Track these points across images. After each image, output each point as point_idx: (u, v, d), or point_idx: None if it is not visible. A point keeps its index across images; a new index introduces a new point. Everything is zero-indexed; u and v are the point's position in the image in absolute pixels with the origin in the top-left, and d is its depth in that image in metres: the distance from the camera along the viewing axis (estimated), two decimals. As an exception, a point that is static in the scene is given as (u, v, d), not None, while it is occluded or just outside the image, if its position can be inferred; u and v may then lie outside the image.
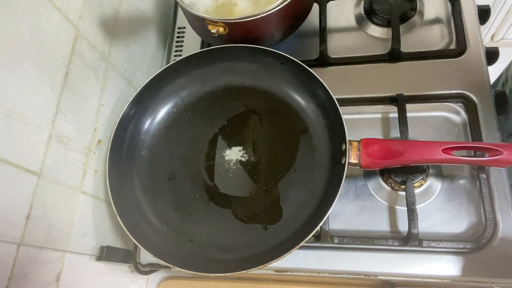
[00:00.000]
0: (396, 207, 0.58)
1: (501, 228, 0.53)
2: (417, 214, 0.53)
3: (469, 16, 0.67)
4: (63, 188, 0.52)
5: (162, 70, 0.65)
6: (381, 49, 0.69)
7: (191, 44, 0.77)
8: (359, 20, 0.73)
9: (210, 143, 0.65)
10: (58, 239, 0.51)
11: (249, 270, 0.50)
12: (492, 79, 0.62)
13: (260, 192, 0.60)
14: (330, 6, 0.73)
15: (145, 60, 0.74)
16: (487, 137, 0.58)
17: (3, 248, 0.43)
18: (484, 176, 0.56)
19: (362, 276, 0.55)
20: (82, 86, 0.55)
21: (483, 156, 0.50)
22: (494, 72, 0.66)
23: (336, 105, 0.56)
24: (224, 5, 0.62)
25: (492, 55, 0.65)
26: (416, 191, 0.57)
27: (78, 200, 0.55)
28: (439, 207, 0.57)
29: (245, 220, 0.59)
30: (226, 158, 0.64)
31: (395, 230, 0.57)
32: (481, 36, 0.66)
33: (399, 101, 0.61)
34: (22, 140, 0.45)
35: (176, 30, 0.80)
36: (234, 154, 0.64)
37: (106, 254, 0.59)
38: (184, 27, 0.79)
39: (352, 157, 0.52)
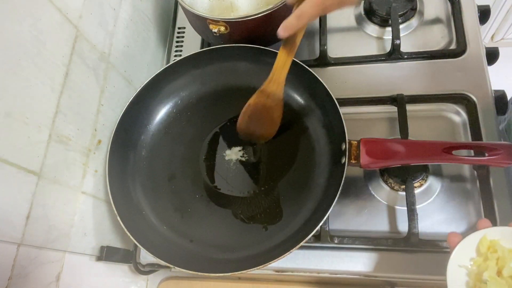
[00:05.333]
0: (396, 207, 0.58)
1: (501, 228, 0.53)
2: (417, 214, 0.53)
3: (469, 16, 0.67)
4: (63, 188, 0.52)
5: (162, 70, 0.65)
6: (381, 49, 0.69)
7: (191, 44, 0.77)
8: (359, 20, 0.73)
9: (210, 143, 0.65)
10: (58, 239, 0.51)
11: (249, 270, 0.50)
12: (492, 79, 0.62)
13: (260, 192, 0.60)
14: (330, 6, 0.73)
15: (145, 60, 0.74)
16: (487, 137, 0.58)
17: (3, 248, 0.43)
18: (484, 176, 0.56)
19: (362, 276, 0.55)
20: (82, 86, 0.55)
21: (482, 155, 0.50)
22: (494, 72, 0.66)
23: (336, 105, 0.56)
24: (225, 4, 0.63)
25: (492, 55, 0.65)
26: (416, 191, 0.57)
27: (78, 200, 0.55)
28: (439, 207, 0.57)
29: (245, 220, 0.59)
30: (226, 158, 0.64)
31: (395, 230, 0.57)
32: (481, 36, 0.66)
33: (399, 101, 0.61)
34: (22, 140, 0.45)
35: (176, 30, 0.80)
36: (234, 154, 0.64)
37: (106, 254, 0.59)
38: (184, 27, 0.79)
39: (352, 157, 0.52)
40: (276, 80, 0.53)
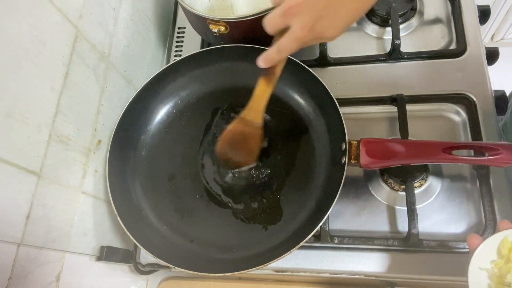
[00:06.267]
0: (396, 207, 0.58)
1: (501, 228, 0.53)
2: (417, 214, 0.53)
3: (469, 16, 0.67)
4: (63, 188, 0.52)
5: (162, 70, 0.65)
6: (381, 49, 0.69)
7: (191, 44, 0.77)
8: (359, 20, 0.73)
9: (210, 143, 0.65)
10: (58, 239, 0.51)
11: (249, 270, 0.50)
12: (492, 79, 0.62)
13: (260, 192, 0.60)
14: (330, 6, 0.73)
15: (145, 60, 0.74)
16: (487, 137, 0.58)
17: (3, 248, 0.43)
18: (484, 176, 0.56)
19: (362, 276, 0.55)
20: (82, 86, 0.55)
21: (482, 155, 0.50)
22: (494, 72, 0.66)
23: (336, 105, 0.56)
24: (225, 4, 0.63)
25: (492, 55, 0.65)
26: (416, 191, 0.57)
27: (78, 200, 0.55)
28: (439, 207, 0.57)
29: (245, 220, 0.59)
30: (226, 158, 0.63)
31: (395, 230, 0.57)
32: (481, 36, 0.66)
33: (399, 101, 0.61)
34: (22, 140, 0.45)
35: (176, 30, 0.80)
36: (234, 154, 0.64)
37: (106, 254, 0.59)
38: (184, 27, 0.79)
39: (352, 157, 0.52)
40: (255, 109, 0.52)
